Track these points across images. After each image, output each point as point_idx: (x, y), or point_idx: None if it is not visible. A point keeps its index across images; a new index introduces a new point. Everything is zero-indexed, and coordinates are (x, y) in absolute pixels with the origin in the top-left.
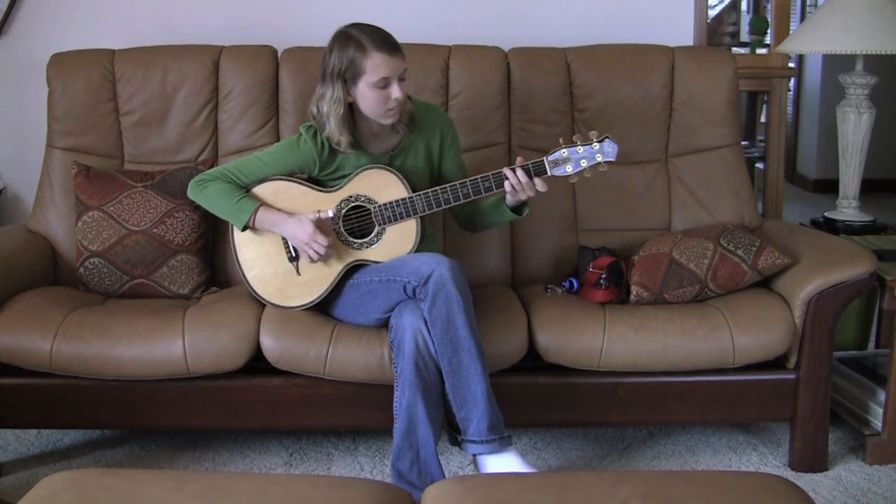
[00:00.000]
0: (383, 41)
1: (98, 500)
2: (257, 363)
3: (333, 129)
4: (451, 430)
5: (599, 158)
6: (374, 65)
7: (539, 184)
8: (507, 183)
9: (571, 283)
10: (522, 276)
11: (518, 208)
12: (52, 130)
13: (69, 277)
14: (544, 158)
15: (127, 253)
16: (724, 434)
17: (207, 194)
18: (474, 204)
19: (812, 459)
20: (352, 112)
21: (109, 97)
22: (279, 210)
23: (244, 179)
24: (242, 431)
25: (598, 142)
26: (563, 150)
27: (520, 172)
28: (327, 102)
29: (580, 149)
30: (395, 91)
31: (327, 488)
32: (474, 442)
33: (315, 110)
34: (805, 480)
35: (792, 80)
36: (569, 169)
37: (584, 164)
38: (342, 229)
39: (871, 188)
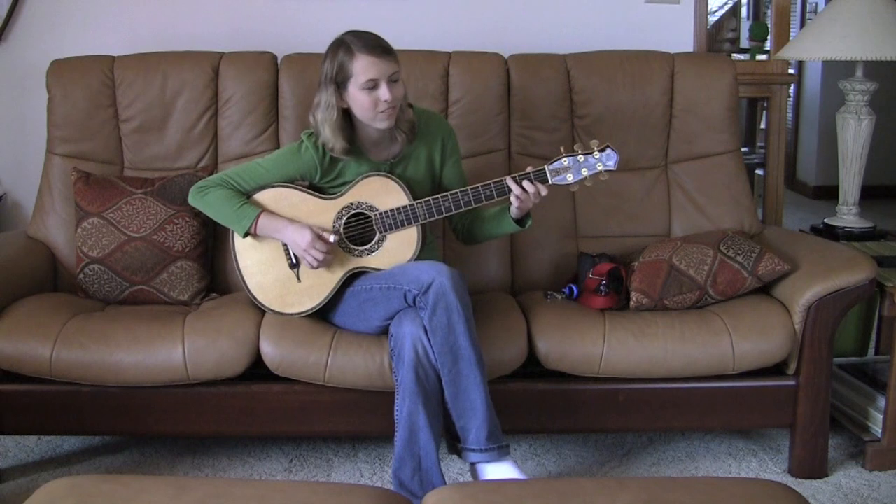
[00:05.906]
0: (372, 44)
1: None
2: (257, 370)
3: (328, 134)
4: (449, 437)
5: (600, 167)
6: (362, 67)
7: (543, 189)
8: (512, 195)
9: (571, 290)
10: (522, 283)
11: (521, 220)
12: (52, 137)
13: (69, 284)
14: (545, 167)
15: (127, 259)
16: (723, 440)
17: (208, 200)
18: (475, 213)
19: (812, 466)
20: (349, 119)
21: (109, 103)
22: (280, 216)
23: (245, 186)
24: (242, 438)
25: (598, 150)
26: (564, 158)
27: (525, 182)
28: (322, 109)
29: (581, 157)
30: (384, 93)
31: (327, 494)
32: (473, 450)
33: (312, 119)
34: (805, 487)
35: (792, 87)
36: (569, 178)
37: (584, 172)
38: (343, 236)
39: (870, 194)
